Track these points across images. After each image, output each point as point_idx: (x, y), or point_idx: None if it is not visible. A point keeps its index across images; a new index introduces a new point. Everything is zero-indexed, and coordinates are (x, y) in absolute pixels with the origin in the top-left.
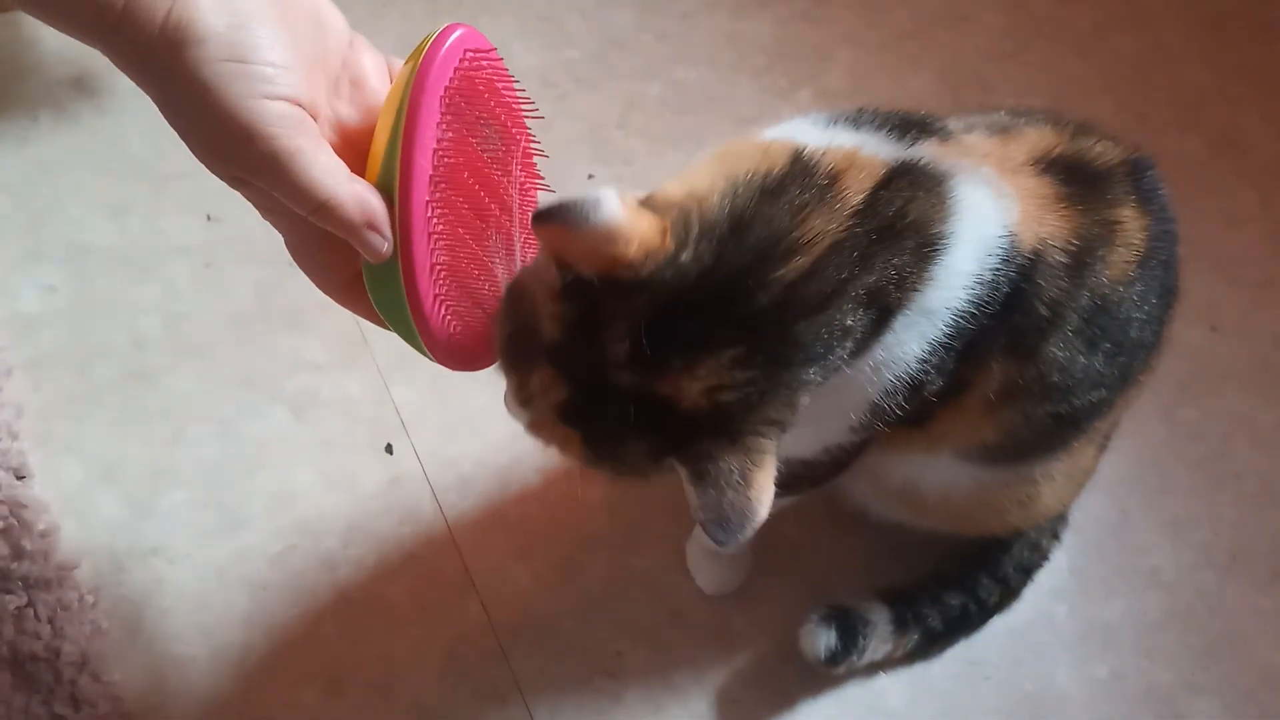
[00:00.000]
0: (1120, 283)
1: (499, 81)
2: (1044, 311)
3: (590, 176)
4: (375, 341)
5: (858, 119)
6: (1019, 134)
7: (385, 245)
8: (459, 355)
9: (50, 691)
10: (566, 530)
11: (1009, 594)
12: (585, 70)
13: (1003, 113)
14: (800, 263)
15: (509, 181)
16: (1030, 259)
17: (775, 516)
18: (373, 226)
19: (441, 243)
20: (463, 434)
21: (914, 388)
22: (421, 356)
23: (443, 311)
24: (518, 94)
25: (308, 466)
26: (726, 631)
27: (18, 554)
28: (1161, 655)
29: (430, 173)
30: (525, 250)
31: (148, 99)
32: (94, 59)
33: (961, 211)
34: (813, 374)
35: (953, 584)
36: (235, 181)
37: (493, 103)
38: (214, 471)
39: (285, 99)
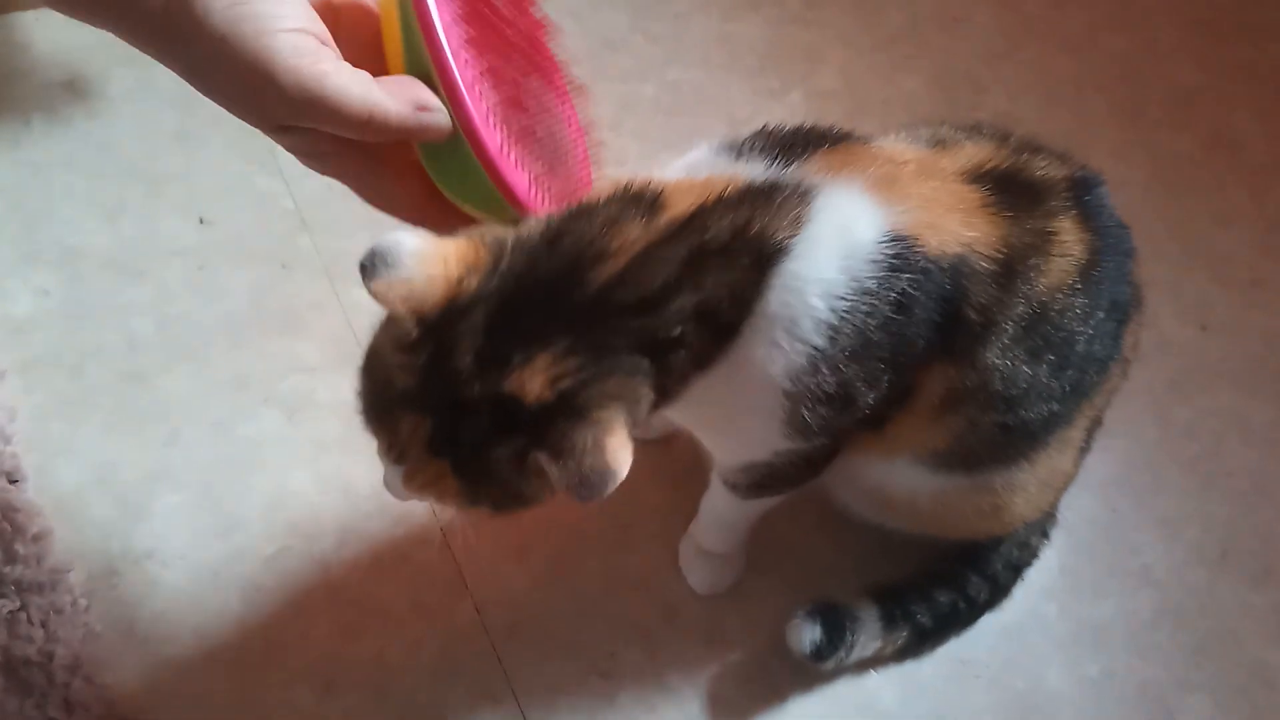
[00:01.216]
0: (1060, 292)
1: None
2: (974, 316)
3: None
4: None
5: (745, 146)
6: (957, 147)
7: (443, 117)
8: (553, 193)
9: (43, 695)
10: (559, 531)
11: (999, 591)
12: (578, 72)
13: (947, 127)
14: (610, 267)
15: (524, 37)
16: (950, 264)
17: (767, 516)
18: (424, 108)
19: (484, 87)
20: None
21: (842, 398)
22: None
23: (513, 156)
24: None
25: (302, 468)
26: (719, 631)
27: (10, 558)
28: (1153, 653)
29: (455, 39)
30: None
31: (141, 102)
32: (87, 62)
33: (818, 221)
34: (645, 365)
35: (942, 581)
36: (277, 131)
37: None
38: (208, 474)
39: (296, 30)
